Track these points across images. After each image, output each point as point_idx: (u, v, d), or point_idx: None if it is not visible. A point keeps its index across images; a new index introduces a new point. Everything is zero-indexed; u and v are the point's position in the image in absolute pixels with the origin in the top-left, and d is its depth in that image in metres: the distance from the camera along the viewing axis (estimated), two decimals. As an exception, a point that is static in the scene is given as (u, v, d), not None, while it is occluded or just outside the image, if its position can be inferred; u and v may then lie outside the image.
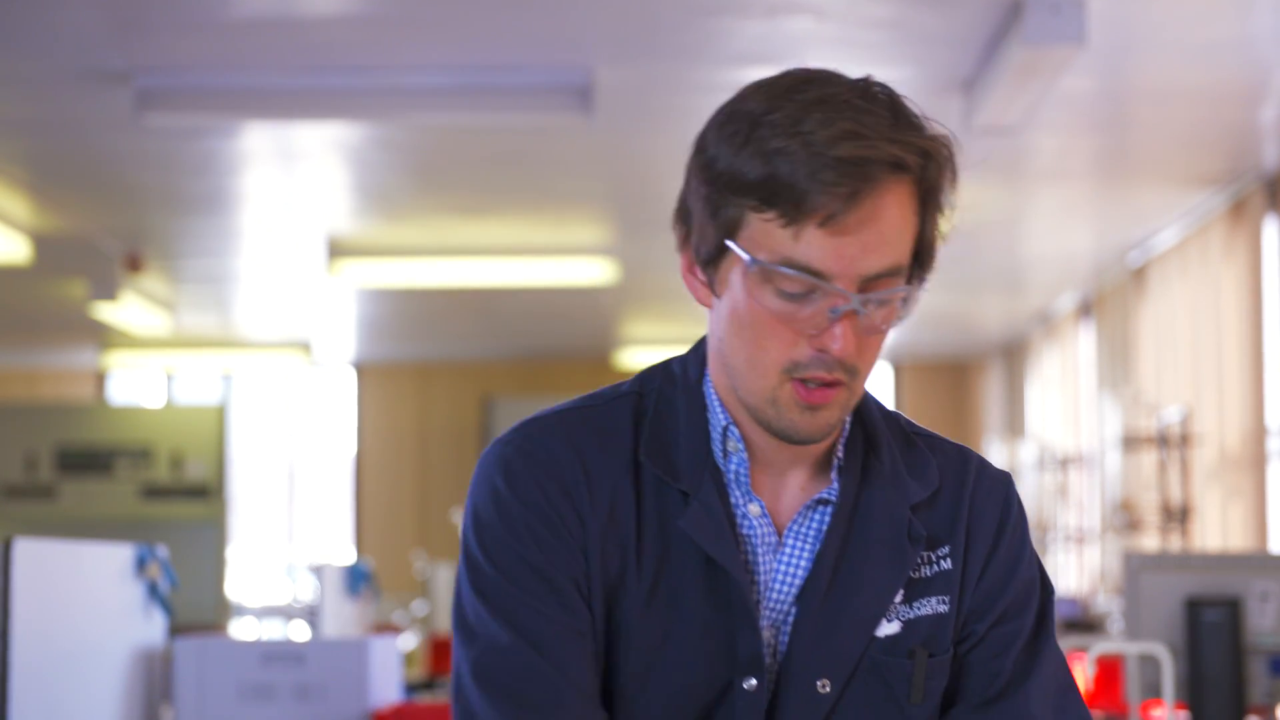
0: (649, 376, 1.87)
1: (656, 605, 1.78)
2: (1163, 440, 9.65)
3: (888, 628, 1.80)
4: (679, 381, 1.85)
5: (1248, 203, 8.69)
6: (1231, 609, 5.28)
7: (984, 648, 1.85)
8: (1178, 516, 9.47)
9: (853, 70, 1.77)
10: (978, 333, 14.23)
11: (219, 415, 11.59)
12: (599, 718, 1.77)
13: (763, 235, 1.71)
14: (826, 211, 1.68)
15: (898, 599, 1.80)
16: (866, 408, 1.88)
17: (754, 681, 1.77)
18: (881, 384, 15.68)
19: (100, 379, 16.24)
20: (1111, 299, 11.42)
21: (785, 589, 1.80)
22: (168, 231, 10.01)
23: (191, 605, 10.24)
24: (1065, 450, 12.21)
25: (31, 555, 4.79)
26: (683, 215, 1.79)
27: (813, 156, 1.68)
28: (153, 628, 5.70)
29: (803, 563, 1.80)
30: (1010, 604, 1.86)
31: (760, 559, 1.80)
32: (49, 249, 9.87)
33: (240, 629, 11.85)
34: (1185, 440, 9.49)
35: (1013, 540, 1.88)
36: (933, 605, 1.83)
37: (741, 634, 1.78)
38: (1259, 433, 8.62)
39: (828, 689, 1.79)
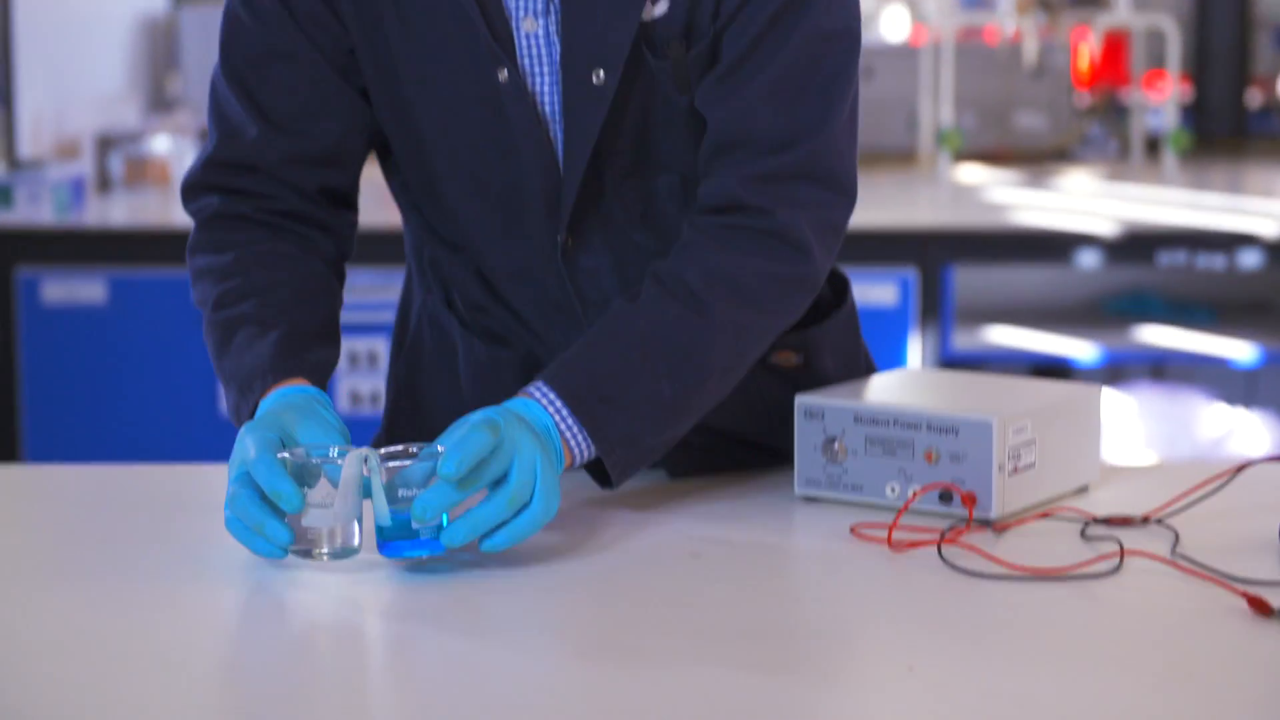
0: None
1: (415, 23, 1.87)
2: None
3: (656, 9, 1.83)
4: None
5: None
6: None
7: (733, 26, 1.84)
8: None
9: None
10: None
11: None
12: (279, 141, 1.90)
13: None
14: None
15: None
16: None
17: (505, 72, 1.85)
18: None
19: None
20: None
21: None
22: None
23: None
24: None
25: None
26: None
27: None
28: (153, -5, 5.69)
29: None
30: None
31: None
32: None
33: None
34: None
35: None
36: None
37: (479, 30, 1.85)
38: None
39: (602, 78, 1.84)
